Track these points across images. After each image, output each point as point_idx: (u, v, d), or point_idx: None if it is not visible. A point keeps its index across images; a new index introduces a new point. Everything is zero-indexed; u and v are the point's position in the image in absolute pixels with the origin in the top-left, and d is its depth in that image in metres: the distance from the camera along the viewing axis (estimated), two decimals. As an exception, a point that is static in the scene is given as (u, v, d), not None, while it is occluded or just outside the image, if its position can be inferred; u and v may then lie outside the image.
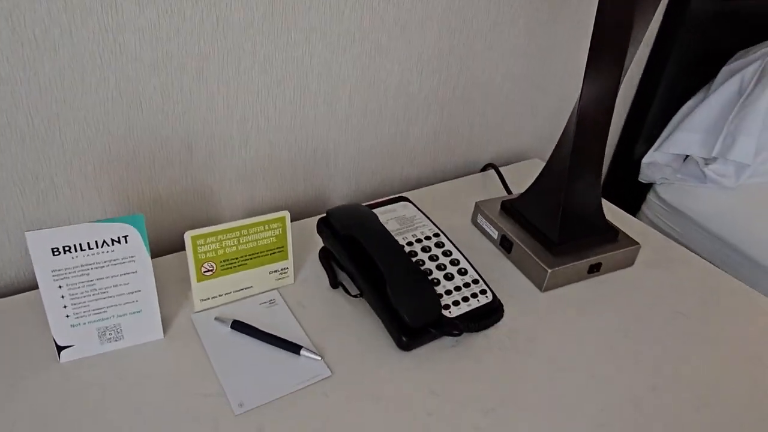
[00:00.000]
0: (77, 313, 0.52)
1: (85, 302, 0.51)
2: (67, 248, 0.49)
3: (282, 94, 0.71)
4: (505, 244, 0.74)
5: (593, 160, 0.69)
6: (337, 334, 0.59)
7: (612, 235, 0.73)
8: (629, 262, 0.74)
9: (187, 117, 0.66)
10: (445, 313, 0.59)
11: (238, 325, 0.58)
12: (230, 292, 0.61)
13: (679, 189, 1.19)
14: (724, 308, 0.68)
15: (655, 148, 1.22)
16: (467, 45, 0.82)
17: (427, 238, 0.67)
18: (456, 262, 0.65)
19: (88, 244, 0.49)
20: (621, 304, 0.67)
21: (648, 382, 0.57)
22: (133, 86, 0.61)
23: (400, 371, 0.56)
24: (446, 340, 0.59)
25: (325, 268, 0.67)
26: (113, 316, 0.53)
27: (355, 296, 0.63)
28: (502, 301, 0.62)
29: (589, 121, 0.65)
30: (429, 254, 0.65)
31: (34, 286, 0.58)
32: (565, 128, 0.68)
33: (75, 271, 0.50)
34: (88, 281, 0.51)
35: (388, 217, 0.69)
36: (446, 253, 0.66)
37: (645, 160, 1.24)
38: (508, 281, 0.70)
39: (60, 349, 0.52)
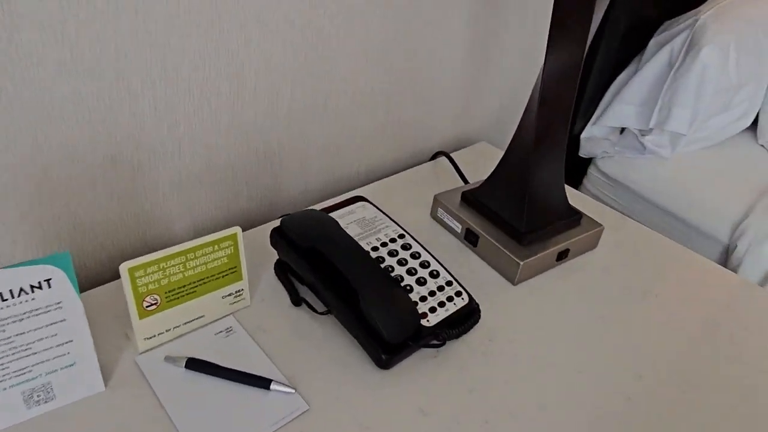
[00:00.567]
0: (-6, 377, 0.42)
1: (3, 363, 0.42)
2: (-28, 303, 0.40)
3: (217, 91, 0.63)
4: (470, 238, 0.70)
5: (557, 140, 0.66)
6: (307, 359, 0.53)
7: (576, 220, 0.71)
8: (593, 245, 0.73)
9: (107, 126, 0.57)
10: (423, 322, 0.54)
11: (194, 364, 0.50)
12: (179, 325, 0.53)
13: (619, 162, 1.21)
14: (687, 282, 0.69)
15: (592, 122, 1.23)
16: (413, 30, 0.77)
17: (393, 240, 0.62)
18: (426, 264, 0.60)
19: (1, 294, 0.40)
20: (593, 291, 0.66)
21: (633, 370, 0.56)
22: (37, 95, 0.51)
23: (383, 393, 0.51)
24: (425, 351, 0.55)
25: (283, 284, 0.61)
26: (41, 374, 0.44)
27: (323, 313, 0.57)
28: (477, 301, 0.59)
29: (552, 99, 0.62)
30: (397, 258, 0.60)
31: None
32: (526, 109, 0.65)
33: (-14, 329, 0.41)
34: (4, 339, 0.42)
35: (347, 221, 0.64)
36: (414, 256, 0.61)
37: (584, 134, 1.25)
38: (478, 277, 0.66)
39: (-24, 421, 0.43)
